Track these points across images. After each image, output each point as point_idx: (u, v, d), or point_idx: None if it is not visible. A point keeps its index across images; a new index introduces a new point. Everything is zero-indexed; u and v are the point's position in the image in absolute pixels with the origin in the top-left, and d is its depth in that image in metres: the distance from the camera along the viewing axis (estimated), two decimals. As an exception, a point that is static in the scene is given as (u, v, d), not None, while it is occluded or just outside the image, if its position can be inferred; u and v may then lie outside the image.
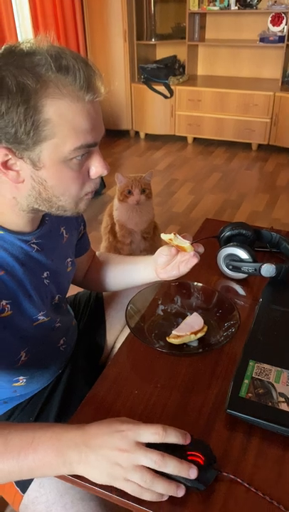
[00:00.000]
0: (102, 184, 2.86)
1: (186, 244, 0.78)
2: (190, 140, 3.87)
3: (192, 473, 0.53)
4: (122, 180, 1.83)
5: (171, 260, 0.83)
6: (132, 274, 0.94)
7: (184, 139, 3.88)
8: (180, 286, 0.92)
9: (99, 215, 2.55)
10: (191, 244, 0.79)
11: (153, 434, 0.54)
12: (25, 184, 0.64)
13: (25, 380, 0.78)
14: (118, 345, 0.98)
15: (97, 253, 1.05)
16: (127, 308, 0.84)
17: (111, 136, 3.82)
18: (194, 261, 0.79)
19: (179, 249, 0.82)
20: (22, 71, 0.56)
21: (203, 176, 3.21)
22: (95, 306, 1.08)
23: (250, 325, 0.82)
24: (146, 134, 4.02)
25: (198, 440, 0.58)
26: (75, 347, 0.96)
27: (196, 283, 0.92)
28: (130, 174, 1.89)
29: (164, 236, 0.79)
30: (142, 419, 0.63)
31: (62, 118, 0.59)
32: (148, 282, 0.92)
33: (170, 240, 0.79)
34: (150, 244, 1.95)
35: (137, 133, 4.07)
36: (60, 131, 0.60)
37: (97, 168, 0.66)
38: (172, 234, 0.78)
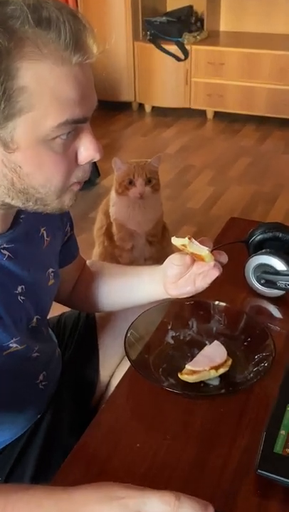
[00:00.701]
0: (96, 172, 2.88)
1: (204, 251, 0.79)
2: (210, 115, 3.89)
3: None
4: (121, 167, 1.84)
5: (185, 272, 0.84)
6: (134, 289, 0.95)
7: (202, 113, 3.90)
8: (196, 306, 0.92)
9: (91, 212, 2.56)
10: (211, 251, 0.79)
11: (162, 503, 0.50)
12: None
13: (-10, 429, 0.79)
14: (115, 382, 0.98)
15: (88, 262, 1.06)
16: (126, 334, 0.84)
17: (107, 110, 3.85)
18: (215, 274, 0.80)
19: (195, 258, 0.82)
20: None
21: (226, 161, 3.22)
22: (84, 331, 1.09)
23: (288, 358, 0.81)
24: (153, 108, 4.05)
25: None
26: (59, 384, 0.96)
27: (217, 302, 0.92)
28: (132, 159, 1.90)
29: (175, 240, 0.80)
30: (145, 483, 0.56)
31: (43, 85, 0.59)
32: (154, 300, 0.93)
33: (184, 245, 0.79)
34: (157, 250, 1.96)
35: (141, 106, 4.10)
36: (40, 102, 0.59)
37: (87, 150, 0.67)
38: (186, 238, 0.78)
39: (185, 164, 3.18)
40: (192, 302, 0.93)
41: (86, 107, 0.63)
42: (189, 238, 0.78)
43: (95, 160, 0.68)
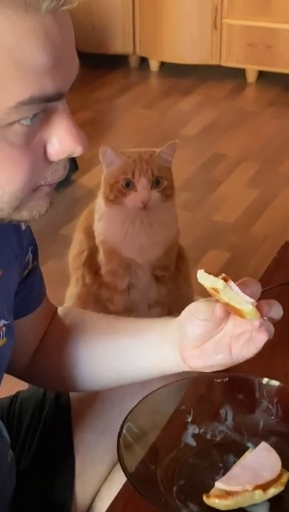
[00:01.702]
0: (72, 164, 2.90)
1: (246, 305, 0.80)
2: (251, 76, 3.96)
3: None
4: (113, 161, 1.85)
5: (215, 331, 0.85)
6: (133, 357, 0.96)
7: (238, 73, 3.95)
8: (232, 385, 0.93)
9: (63, 226, 2.58)
10: (257, 302, 0.80)
11: None
12: None
13: None
14: (102, 508, 0.97)
15: (59, 310, 1.07)
16: (121, 429, 0.85)
17: (90, 68, 3.90)
18: (263, 339, 0.81)
19: (231, 311, 0.82)
20: None
21: (277, 149, 3.25)
22: (53, 421, 1.09)
23: None
24: (162, 65, 4.11)
25: None
26: (13, 504, 0.97)
27: (266, 380, 0.92)
28: (129, 148, 1.91)
29: (203, 277, 0.81)
30: None
31: None
32: (164, 375, 0.95)
33: (214, 289, 0.80)
34: (170, 291, 1.96)
35: (143, 61, 4.16)
36: None
37: (62, 142, 0.69)
38: (220, 279, 0.79)
39: (212, 153, 3.21)
40: (226, 379, 0.93)
41: (62, 78, 0.66)
42: (225, 279, 0.79)
43: (75, 155, 0.71)
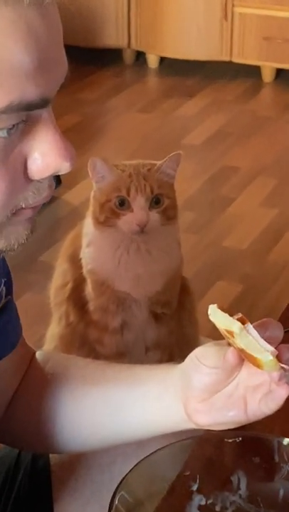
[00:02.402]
0: (54, 178, 2.90)
1: (265, 353, 0.80)
2: (268, 75, 3.99)
3: None
4: (104, 175, 1.86)
5: (226, 382, 0.85)
6: (126, 412, 0.97)
7: (253, 71, 3.99)
8: (246, 446, 0.92)
9: (42, 252, 2.58)
10: (277, 350, 0.81)
11: None
12: None
13: None
14: None
15: (38, 354, 1.07)
16: (113, 499, 0.84)
17: (80, 64, 3.92)
18: (283, 394, 0.81)
19: (246, 358, 0.83)
20: None
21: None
22: (29, 488, 1.08)
23: None
24: (162, 60, 4.14)
25: None
26: None
27: (286, 440, 0.92)
28: (123, 160, 1.93)
29: (216, 315, 0.82)
30: None
31: None
32: (163, 433, 0.95)
33: (229, 331, 0.80)
34: (170, 332, 1.96)
35: (140, 56, 4.20)
36: None
37: (45, 156, 0.70)
38: (235, 320, 0.80)
39: (221, 166, 3.23)
40: (238, 439, 0.93)
41: (47, 81, 0.67)
42: (243, 321, 0.80)
43: (61, 173, 0.72)
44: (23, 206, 0.72)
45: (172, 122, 3.60)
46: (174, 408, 0.90)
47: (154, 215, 1.84)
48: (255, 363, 0.81)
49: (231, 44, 3.92)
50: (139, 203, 1.83)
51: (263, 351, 0.79)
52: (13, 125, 0.66)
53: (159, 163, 1.87)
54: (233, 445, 0.93)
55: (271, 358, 0.79)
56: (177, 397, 0.89)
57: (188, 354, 0.89)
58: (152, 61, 4.13)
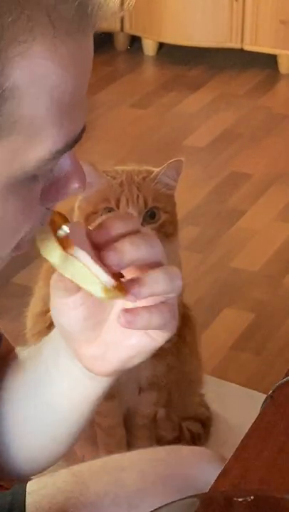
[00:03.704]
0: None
1: (95, 285, 0.79)
2: (285, 65, 4.01)
3: None
4: (91, 182, 1.86)
5: (103, 307, 0.87)
6: (44, 383, 1.00)
7: (267, 61, 4.02)
8: (259, 506, 0.92)
9: (15, 274, 2.61)
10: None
11: None
12: None
13: None
14: None
15: (18, 351, 1.11)
16: None
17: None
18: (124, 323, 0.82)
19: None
20: None
21: None
22: None
23: None
24: (160, 47, 4.17)
25: None
26: None
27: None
28: (114, 166, 1.96)
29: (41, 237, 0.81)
30: None
31: (38, 85, 0.68)
32: (87, 403, 0.97)
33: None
34: (169, 369, 1.95)
35: (134, 42, 4.23)
36: (32, 116, 0.68)
37: (63, 180, 0.76)
38: (56, 244, 0.78)
39: (229, 172, 3.25)
40: (250, 498, 0.93)
41: (85, 111, 0.73)
42: (66, 241, 0.79)
43: (75, 195, 0.78)
44: (24, 235, 0.76)
45: (172, 120, 3.62)
46: (72, 370, 0.93)
47: (148, 232, 1.83)
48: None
49: (242, 28, 3.93)
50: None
51: (95, 282, 0.78)
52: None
53: (156, 170, 1.88)
54: (243, 505, 0.92)
55: (102, 295, 0.78)
56: (69, 355, 0.91)
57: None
58: (149, 47, 4.15)
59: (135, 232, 0.84)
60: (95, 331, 0.87)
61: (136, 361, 0.89)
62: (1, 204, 0.71)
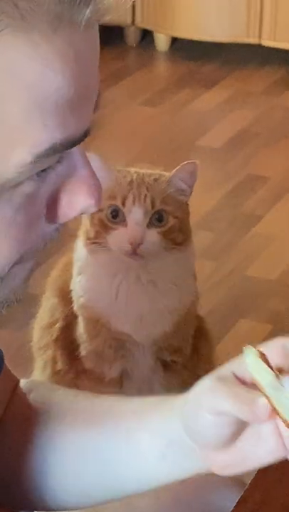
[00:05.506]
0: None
1: None
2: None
3: None
4: (100, 176, 1.83)
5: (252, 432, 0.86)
6: (120, 469, 0.99)
7: (287, 56, 4.02)
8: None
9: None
10: None
11: None
12: None
13: None
14: None
15: (22, 383, 1.11)
16: None
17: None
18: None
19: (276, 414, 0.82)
20: None
21: None
22: None
23: None
24: (173, 42, 4.18)
25: None
26: None
27: None
28: (123, 165, 1.98)
29: (252, 361, 0.82)
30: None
31: (14, 80, 0.66)
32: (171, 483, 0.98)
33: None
34: (183, 383, 1.92)
35: (146, 36, 4.24)
36: (7, 115, 0.67)
37: (76, 195, 0.74)
38: (269, 370, 0.80)
39: (246, 175, 3.25)
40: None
41: (88, 110, 0.71)
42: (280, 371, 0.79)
43: (84, 214, 0.76)
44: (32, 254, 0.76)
45: (185, 119, 3.62)
46: (181, 462, 0.93)
47: (153, 235, 1.84)
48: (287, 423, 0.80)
49: (260, 22, 3.94)
50: (134, 215, 1.84)
51: None
52: (44, 169, 0.70)
53: (169, 174, 1.87)
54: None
55: None
56: (184, 447, 0.91)
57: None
58: (161, 42, 4.15)
59: None
60: (232, 440, 0.87)
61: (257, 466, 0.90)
62: None
